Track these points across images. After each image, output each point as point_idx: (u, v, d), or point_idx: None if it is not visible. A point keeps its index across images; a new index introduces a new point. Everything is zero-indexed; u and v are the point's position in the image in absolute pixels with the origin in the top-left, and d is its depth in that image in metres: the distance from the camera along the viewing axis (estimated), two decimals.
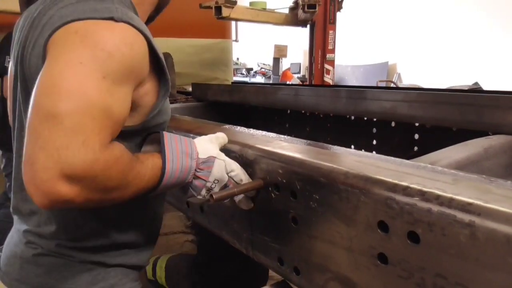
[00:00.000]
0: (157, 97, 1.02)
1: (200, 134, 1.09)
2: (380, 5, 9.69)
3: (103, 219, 1.06)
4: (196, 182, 1.00)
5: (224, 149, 1.09)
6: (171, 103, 2.73)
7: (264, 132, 1.33)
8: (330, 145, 1.13)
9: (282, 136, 1.27)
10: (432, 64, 8.85)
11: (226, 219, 1.30)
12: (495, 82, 7.50)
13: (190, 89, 3.13)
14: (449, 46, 8.56)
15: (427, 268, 0.74)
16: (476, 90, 3.53)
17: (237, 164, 1.06)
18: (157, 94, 1.02)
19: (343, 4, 4.85)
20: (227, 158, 1.04)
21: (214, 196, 0.97)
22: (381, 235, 0.80)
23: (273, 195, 1.06)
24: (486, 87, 7.07)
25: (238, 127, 1.42)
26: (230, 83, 3.88)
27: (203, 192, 1.01)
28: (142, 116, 1.01)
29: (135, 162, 0.89)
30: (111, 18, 0.88)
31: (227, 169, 1.03)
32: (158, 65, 1.00)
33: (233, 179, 1.04)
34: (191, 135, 1.31)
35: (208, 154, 1.01)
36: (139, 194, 0.92)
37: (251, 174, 1.10)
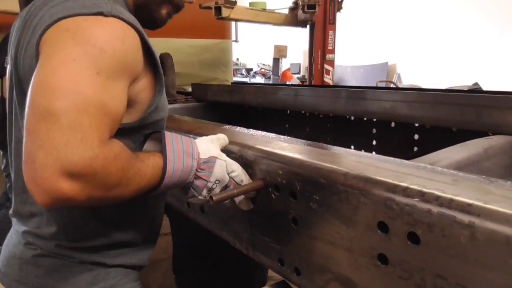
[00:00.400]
0: (154, 93, 1.03)
1: (200, 135, 1.09)
2: (380, 6, 9.69)
3: (103, 219, 1.06)
4: (197, 182, 0.99)
5: (224, 150, 1.09)
6: (170, 103, 2.74)
7: (263, 133, 1.33)
8: (330, 146, 1.13)
9: (282, 136, 1.27)
10: (432, 65, 8.85)
11: (227, 219, 1.30)
12: (495, 83, 7.50)
13: (189, 89, 3.13)
14: (449, 46, 8.56)
15: (427, 269, 0.74)
16: (476, 90, 3.53)
17: (238, 165, 1.06)
18: (153, 90, 1.02)
19: (343, 5, 4.85)
20: (228, 159, 1.05)
21: (214, 198, 0.97)
22: (381, 236, 0.80)
23: (273, 195, 1.06)
24: (486, 87, 7.07)
25: (238, 128, 1.42)
26: (230, 84, 3.89)
27: (204, 192, 1.01)
28: (139, 113, 1.01)
29: (135, 160, 0.88)
30: (100, 13, 0.89)
31: (228, 169, 1.03)
32: (152, 60, 1.00)
33: (234, 180, 1.04)
34: (191, 135, 1.31)
35: (209, 154, 1.01)
36: (140, 193, 0.91)
37: (251, 175, 1.10)
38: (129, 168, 0.86)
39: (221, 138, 1.10)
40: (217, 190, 1.02)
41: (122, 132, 0.94)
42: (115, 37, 0.88)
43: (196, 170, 0.98)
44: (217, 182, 1.01)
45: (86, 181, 0.77)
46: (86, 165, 0.76)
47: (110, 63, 0.86)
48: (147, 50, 0.98)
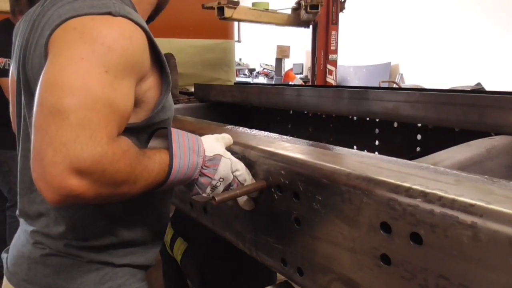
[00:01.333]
0: (160, 93, 1.03)
1: (203, 135, 1.09)
2: (383, 6, 9.68)
3: (111, 217, 1.07)
4: (202, 180, 1.00)
5: (227, 150, 1.09)
6: (173, 103, 2.74)
7: (266, 133, 1.33)
8: (333, 146, 1.13)
9: (285, 136, 1.27)
10: (434, 65, 8.84)
11: (230, 220, 1.30)
12: (498, 83, 7.48)
13: (192, 89, 3.14)
14: (451, 46, 8.55)
15: (430, 269, 0.74)
16: (478, 90, 3.52)
17: (243, 164, 1.07)
18: (160, 89, 1.03)
19: (346, 5, 4.86)
20: (233, 158, 1.05)
21: (216, 198, 0.97)
22: (384, 236, 0.80)
23: (276, 196, 1.06)
24: (488, 87, 7.06)
25: (241, 128, 1.42)
26: (233, 84, 3.89)
27: (208, 189, 1.01)
28: (147, 112, 1.02)
29: (142, 156, 0.89)
30: (109, 13, 0.89)
31: (233, 168, 1.03)
32: (159, 60, 1.01)
33: (237, 179, 1.05)
34: None
35: (214, 152, 1.02)
36: (147, 189, 0.92)
37: (253, 175, 1.10)
38: (137, 164, 0.86)
39: (226, 137, 1.11)
40: (221, 188, 1.02)
41: (129, 132, 0.94)
42: (123, 36, 0.88)
43: (201, 167, 0.99)
44: (221, 180, 1.01)
45: (95, 178, 0.77)
46: (95, 161, 0.76)
47: (118, 62, 0.86)
48: (153, 49, 0.98)
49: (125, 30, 0.90)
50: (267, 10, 4.36)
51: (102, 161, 0.77)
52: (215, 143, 1.05)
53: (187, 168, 0.96)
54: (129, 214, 1.10)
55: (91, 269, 1.07)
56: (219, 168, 1.00)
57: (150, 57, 0.98)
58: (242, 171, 1.05)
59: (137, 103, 0.97)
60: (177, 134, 0.99)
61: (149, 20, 1.21)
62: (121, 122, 0.87)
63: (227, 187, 1.04)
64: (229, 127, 1.46)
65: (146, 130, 1.05)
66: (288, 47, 9.25)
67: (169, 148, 0.95)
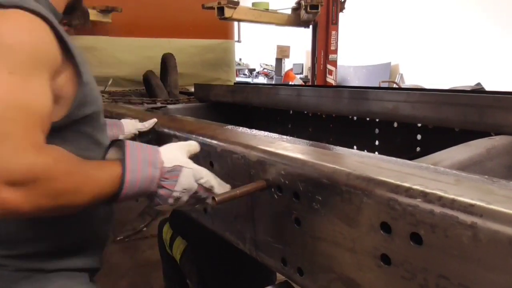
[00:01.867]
0: (78, 86, 0.98)
1: (203, 135, 1.09)
2: (383, 6, 9.68)
3: (38, 224, 1.02)
4: (161, 192, 0.95)
5: (226, 150, 1.09)
6: (173, 103, 2.75)
7: (266, 133, 1.33)
8: (333, 146, 1.13)
9: (285, 137, 1.27)
10: (434, 65, 8.84)
11: (230, 220, 1.30)
12: (498, 83, 7.48)
13: (192, 89, 3.14)
14: (451, 46, 8.55)
15: (430, 269, 0.74)
16: (478, 90, 3.52)
17: (207, 171, 1.02)
18: (77, 82, 0.98)
19: (346, 5, 4.86)
20: (195, 166, 1.00)
21: (216, 199, 0.96)
22: (384, 236, 0.80)
23: (276, 196, 1.06)
24: (488, 87, 7.06)
25: (241, 128, 1.42)
26: (233, 84, 3.89)
27: (171, 201, 0.96)
28: (66, 107, 0.97)
29: (84, 165, 0.85)
30: None
31: (196, 176, 0.98)
32: (67, 50, 0.95)
33: (203, 186, 1.00)
34: (193, 136, 1.32)
35: (174, 163, 0.96)
36: (97, 201, 0.87)
37: (253, 175, 1.10)
38: (77, 173, 0.82)
39: (192, 145, 1.06)
40: (185, 198, 0.98)
41: (51, 132, 0.89)
42: (20, 30, 0.82)
43: (160, 179, 0.94)
44: (184, 190, 0.97)
45: (29, 188, 0.74)
46: (25, 171, 0.73)
47: (22, 59, 0.80)
48: (60, 39, 0.91)
49: (22, 23, 0.83)
50: (267, 10, 4.36)
51: (32, 170, 0.74)
52: (175, 153, 1.00)
53: (141, 181, 0.91)
54: (59, 219, 0.99)
55: (19, 277, 1.01)
56: (180, 179, 0.95)
57: (61, 49, 0.92)
58: (207, 178, 1.00)
59: (56, 100, 0.91)
60: (131, 146, 0.94)
61: (71, 10, 1.14)
62: (43, 122, 0.83)
63: (194, 196, 1.00)
64: (229, 127, 1.46)
65: (71, 128, 1.00)
66: (288, 47, 9.26)
67: (121, 161, 0.90)
